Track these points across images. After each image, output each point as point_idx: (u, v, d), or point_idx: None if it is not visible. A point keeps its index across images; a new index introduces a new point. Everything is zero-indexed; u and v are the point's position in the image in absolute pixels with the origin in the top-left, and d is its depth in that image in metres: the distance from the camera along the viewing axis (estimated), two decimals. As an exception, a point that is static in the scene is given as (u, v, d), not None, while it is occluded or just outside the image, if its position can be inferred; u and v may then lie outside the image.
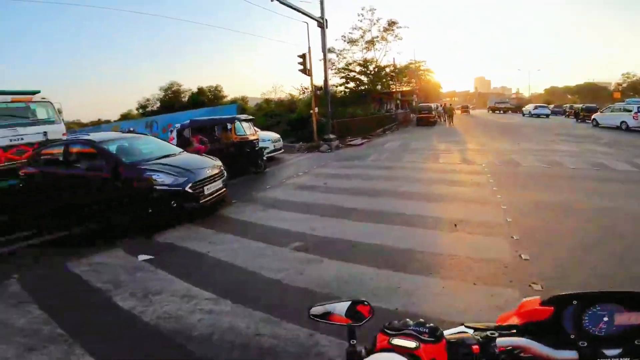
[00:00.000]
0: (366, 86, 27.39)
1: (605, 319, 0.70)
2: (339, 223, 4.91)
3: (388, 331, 0.66)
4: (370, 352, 0.68)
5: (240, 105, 26.87)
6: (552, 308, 0.71)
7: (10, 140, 8.21)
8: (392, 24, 26.87)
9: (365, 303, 0.80)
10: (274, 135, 12.30)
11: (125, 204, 5.58)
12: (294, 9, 13.65)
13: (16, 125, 8.40)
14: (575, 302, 0.71)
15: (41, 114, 9.46)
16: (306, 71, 14.72)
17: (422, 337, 0.63)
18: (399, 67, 30.27)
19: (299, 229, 4.79)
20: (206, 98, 36.18)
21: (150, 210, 5.41)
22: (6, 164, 7.65)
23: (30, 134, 8.48)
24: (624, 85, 45.14)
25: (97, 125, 32.68)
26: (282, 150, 12.65)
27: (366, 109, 24.50)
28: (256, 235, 4.69)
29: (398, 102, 34.28)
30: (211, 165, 6.30)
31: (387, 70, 28.94)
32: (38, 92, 9.67)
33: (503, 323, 0.75)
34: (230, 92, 43.43)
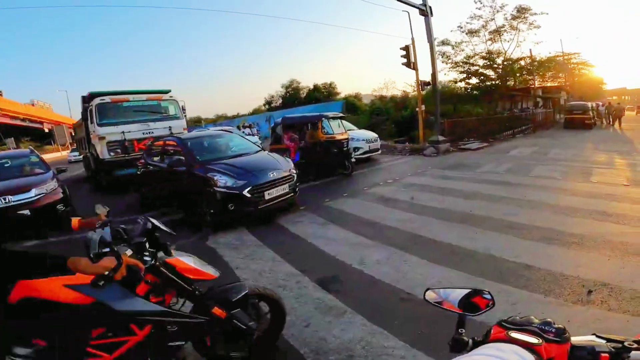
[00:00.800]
0: (493, 81, 23.29)
1: None
2: (401, 259, 3.61)
3: (507, 325, 0.63)
4: (479, 344, 0.67)
5: (351, 102, 26.62)
6: None
7: (143, 134, 9.60)
8: (522, 10, 21.91)
9: (485, 296, 0.80)
10: (370, 135, 11.19)
11: (193, 202, 5.61)
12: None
13: (148, 120, 9.78)
14: None
15: (169, 110, 10.87)
16: (410, 65, 13.11)
17: (546, 336, 0.60)
18: (538, 60, 24.67)
19: (347, 258, 3.72)
20: (321, 95, 37.56)
21: (212, 211, 5.27)
22: (138, 153, 8.94)
23: (159, 128, 9.75)
24: None
25: (233, 118, 37.86)
26: (379, 151, 11.45)
27: (490, 107, 20.79)
28: (295, 257, 3.86)
29: (538, 100, 28.19)
30: (279, 168, 5.80)
31: (522, 63, 23.94)
32: (168, 91, 11.13)
33: None
34: (344, 89, 44.19)
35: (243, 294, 1.90)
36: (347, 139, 8.99)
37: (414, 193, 6.37)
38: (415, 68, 13.27)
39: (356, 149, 10.40)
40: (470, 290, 0.83)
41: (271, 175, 5.50)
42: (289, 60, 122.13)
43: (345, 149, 8.78)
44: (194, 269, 1.79)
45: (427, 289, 0.90)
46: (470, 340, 0.72)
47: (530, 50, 24.93)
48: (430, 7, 12.89)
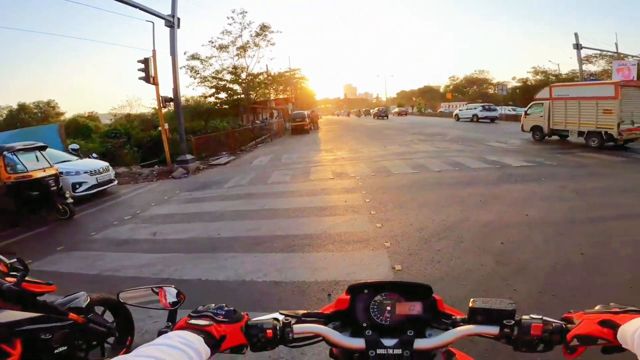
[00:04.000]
0: (240, 95, 25.24)
1: (389, 308, 0.75)
2: (144, 314, 2.75)
3: (192, 314, 0.68)
4: None
5: (82, 124, 21.16)
6: (350, 296, 0.76)
7: None
8: (264, 28, 25.33)
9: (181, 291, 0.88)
10: (97, 165, 8.92)
11: None
12: (131, 4, 10.61)
13: None
14: (365, 290, 0.76)
15: None
16: (149, 79, 11.84)
17: (216, 318, 0.66)
18: (272, 75, 29.12)
19: None
20: (32, 117, 28.13)
21: None
22: None
23: None
24: (451, 87, 54.75)
25: None
26: (115, 181, 9.41)
27: (236, 121, 22.46)
28: None
29: (274, 111, 33.31)
30: None
31: (261, 78, 27.44)
32: None
33: (323, 312, 0.79)
34: (73, 108, 35.13)
35: (88, 300, 2.03)
36: (55, 174, 6.64)
37: (157, 227, 5.43)
38: (155, 83, 12.00)
39: (78, 184, 8.01)
40: (177, 289, 0.87)
41: None
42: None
43: (53, 188, 6.45)
44: (37, 283, 1.90)
45: (120, 292, 0.87)
46: (170, 331, 0.69)
47: (267, 65, 28.81)
48: (178, 18, 12.06)
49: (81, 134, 18.75)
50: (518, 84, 39.38)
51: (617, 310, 0.60)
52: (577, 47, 23.72)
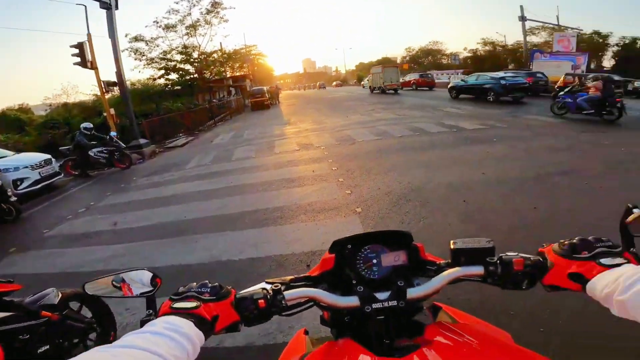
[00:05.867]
0: (193, 75, 23.88)
1: (375, 261, 0.74)
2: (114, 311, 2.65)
3: (173, 297, 0.64)
4: None
5: (13, 117, 18.96)
6: (334, 255, 0.74)
7: None
8: (215, 4, 23.69)
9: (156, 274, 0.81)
10: (37, 158, 8.09)
11: None
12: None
13: None
14: (349, 246, 0.74)
15: None
16: (86, 64, 10.87)
17: (203, 297, 0.62)
18: (227, 53, 27.71)
19: None
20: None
21: None
22: None
23: None
24: (407, 58, 55.44)
25: None
26: (61, 174, 8.62)
27: (191, 101, 21.34)
28: None
29: (231, 89, 32.03)
30: None
31: (215, 56, 26.03)
32: None
33: (310, 275, 0.76)
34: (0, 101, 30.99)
35: (60, 296, 1.96)
36: (-10, 171, 5.96)
37: (117, 217, 5.11)
38: (94, 67, 11.07)
39: (19, 180, 7.27)
40: (152, 273, 0.77)
41: None
42: None
43: (-10, 187, 5.79)
44: None
45: (85, 283, 0.78)
46: (154, 318, 0.62)
47: (221, 43, 27.28)
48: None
49: (13, 127, 16.88)
50: (469, 54, 41.21)
51: (586, 255, 0.60)
52: (522, 19, 24.96)
